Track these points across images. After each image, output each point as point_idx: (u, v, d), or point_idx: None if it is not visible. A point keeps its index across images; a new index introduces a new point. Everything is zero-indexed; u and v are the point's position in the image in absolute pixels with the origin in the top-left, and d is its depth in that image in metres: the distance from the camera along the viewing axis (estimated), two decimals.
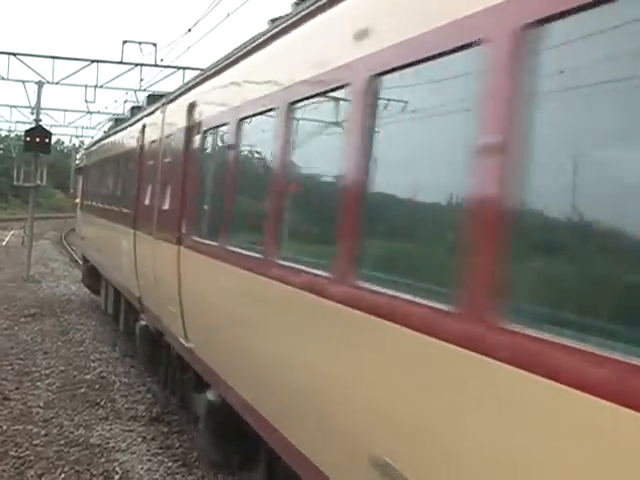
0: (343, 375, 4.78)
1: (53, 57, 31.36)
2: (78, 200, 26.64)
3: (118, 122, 21.78)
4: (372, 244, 4.67)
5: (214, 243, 7.83)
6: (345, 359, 4.75)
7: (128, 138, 15.71)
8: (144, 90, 34.73)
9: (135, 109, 19.59)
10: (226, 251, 7.34)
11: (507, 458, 3.30)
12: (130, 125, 15.99)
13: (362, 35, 4.72)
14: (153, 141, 12.37)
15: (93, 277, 20.92)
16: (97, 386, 13.00)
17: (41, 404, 11.81)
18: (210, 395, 8.39)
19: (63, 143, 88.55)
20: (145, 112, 14.27)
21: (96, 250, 19.70)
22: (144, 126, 13.57)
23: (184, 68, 28.61)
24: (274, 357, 6.19)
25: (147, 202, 12.19)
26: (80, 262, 28.27)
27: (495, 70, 3.44)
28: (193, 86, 10.27)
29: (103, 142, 21.85)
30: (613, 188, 2.96)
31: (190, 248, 8.98)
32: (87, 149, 26.26)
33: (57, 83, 32.63)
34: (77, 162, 32.44)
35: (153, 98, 15.04)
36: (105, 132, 24.72)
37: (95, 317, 19.63)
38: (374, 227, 4.57)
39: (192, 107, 9.71)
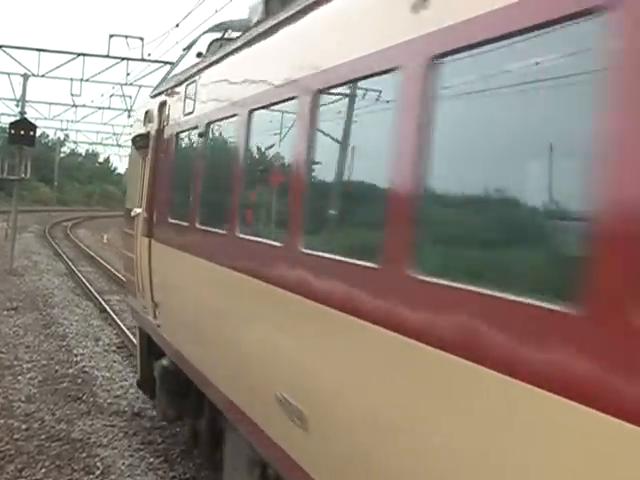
0: None
1: (39, 50, 31.29)
2: (139, 211, 10.48)
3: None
4: None
5: None
6: None
7: None
8: (131, 84, 34.62)
9: None
10: None
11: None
12: None
13: None
14: None
15: (178, 398, 9.21)
16: (79, 381, 12.95)
17: (22, 398, 11.76)
18: None
19: (48, 136, 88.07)
20: None
21: (222, 367, 6.97)
22: None
23: (171, 63, 28.42)
24: None
25: None
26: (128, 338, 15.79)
27: None
28: None
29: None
30: None
31: None
32: (172, 88, 9.39)
33: (43, 76, 32.55)
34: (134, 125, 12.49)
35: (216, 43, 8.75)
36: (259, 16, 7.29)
37: (78, 311, 19.54)
38: None
39: None
